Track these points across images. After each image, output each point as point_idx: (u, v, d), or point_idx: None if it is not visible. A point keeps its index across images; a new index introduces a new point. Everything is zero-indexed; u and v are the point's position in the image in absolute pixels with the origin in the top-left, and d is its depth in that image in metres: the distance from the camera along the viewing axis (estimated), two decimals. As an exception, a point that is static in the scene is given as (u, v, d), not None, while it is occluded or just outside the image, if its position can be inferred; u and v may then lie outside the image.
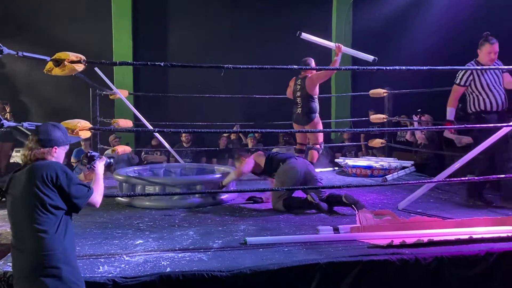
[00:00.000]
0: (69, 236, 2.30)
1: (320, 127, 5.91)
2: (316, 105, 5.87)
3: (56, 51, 3.32)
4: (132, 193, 4.69)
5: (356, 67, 3.64)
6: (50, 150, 2.38)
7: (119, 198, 4.87)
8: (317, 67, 5.64)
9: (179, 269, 2.81)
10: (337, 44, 5.74)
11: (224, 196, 5.01)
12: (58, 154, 2.42)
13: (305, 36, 5.61)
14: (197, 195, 4.80)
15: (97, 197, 2.48)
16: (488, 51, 4.58)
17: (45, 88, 9.09)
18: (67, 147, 2.51)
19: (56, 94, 9.17)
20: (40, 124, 2.55)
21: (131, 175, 5.27)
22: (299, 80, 5.89)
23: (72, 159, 7.85)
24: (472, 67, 4.61)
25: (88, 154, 2.81)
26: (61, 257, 2.22)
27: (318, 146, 5.93)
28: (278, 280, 2.85)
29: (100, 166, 2.74)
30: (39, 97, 9.36)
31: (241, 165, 4.97)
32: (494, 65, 4.65)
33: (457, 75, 4.76)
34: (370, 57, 5.61)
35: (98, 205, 2.50)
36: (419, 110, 7.01)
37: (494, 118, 4.66)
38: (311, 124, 5.86)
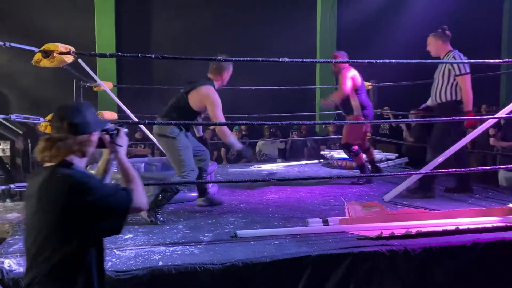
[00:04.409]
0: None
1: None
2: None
3: (37, 41, 3.24)
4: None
5: (347, 60, 3.65)
6: (88, 138, 1.83)
7: None
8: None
9: (172, 263, 2.80)
10: None
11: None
12: (94, 142, 1.88)
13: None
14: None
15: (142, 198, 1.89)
16: None
17: (26, 79, 8.92)
18: None
19: (37, 86, 9.01)
20: (62, 105, 1.90)
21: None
22: None
23: None
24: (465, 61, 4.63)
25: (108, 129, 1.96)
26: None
27: None
28: (270, 273, 2.86)
29: (124, 143, 1.99)
30: (20, 89, 9.17)
31: None
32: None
33: (460, 66, 4.60)
34: None
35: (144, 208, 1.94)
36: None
37: None
38: None
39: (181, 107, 4.00)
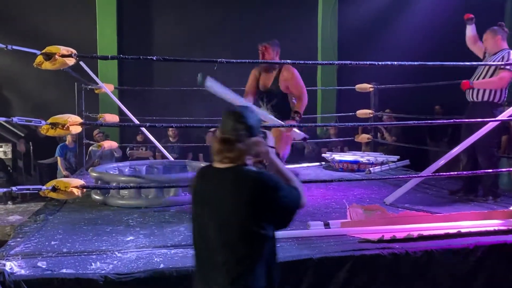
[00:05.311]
0: None
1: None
2: None
3: (39, 44, 3.24)
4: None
5: (349, 62, 3.65)
6: (257, 140, 1.91)
7: (95, 196, 4.76)
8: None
9: (173, 265, 2.80)
10: None
11: None
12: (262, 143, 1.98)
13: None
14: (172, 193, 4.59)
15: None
16: None
17: (28, 81, 8.93)
18: None
19: (39, 88, 9.02)
20: (234, 108, 2.00)
21: (110, 172, 5.18)
22: None
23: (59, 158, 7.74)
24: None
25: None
26: None
27: None
28: (272, 275, 2.86)
29: (273, 144, 2.18)
30: (22, 91, 9.18)
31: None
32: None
33: (510, 62, 4.40)
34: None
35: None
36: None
37: None
38: None
39: None
